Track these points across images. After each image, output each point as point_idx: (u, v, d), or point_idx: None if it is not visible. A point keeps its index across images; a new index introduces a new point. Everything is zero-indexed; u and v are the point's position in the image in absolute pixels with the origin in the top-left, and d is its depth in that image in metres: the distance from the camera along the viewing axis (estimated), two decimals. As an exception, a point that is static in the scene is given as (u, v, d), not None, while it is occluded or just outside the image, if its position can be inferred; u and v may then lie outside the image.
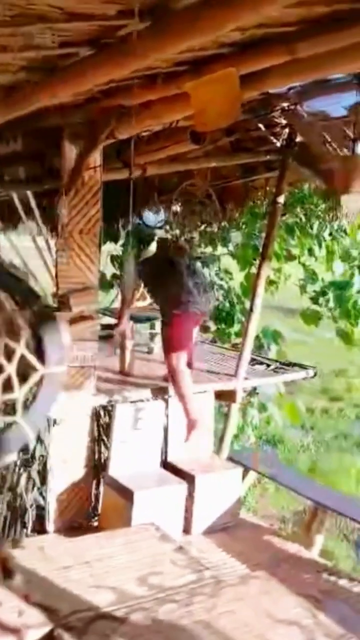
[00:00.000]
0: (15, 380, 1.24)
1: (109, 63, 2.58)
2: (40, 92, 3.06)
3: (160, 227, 4.75)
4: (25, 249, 6.08)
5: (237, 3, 1.88)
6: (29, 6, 2.11)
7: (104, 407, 4.43)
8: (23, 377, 1.26)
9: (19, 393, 1.23)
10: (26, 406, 1.25)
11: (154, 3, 2.13)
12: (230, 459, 5.06)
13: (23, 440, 1.25)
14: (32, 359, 1.25)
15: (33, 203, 5.45)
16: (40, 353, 1.25)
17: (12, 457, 3.03)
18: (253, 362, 5.55)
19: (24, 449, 3.30)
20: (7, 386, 1.24)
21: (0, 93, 3.25)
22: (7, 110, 3.34)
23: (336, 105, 3.79)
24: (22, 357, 1.25)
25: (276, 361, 5.92)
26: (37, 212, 5.64)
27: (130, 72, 2.45)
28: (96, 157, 4.07)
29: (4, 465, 3.36)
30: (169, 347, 4.44)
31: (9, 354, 1.26)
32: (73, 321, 4.15)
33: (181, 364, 4.35)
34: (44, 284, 5.81)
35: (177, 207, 5.12)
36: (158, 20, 2.20)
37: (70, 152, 4.05)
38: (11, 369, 1.25)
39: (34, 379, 1.25)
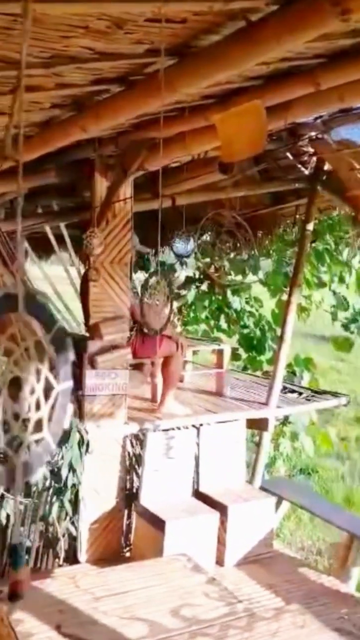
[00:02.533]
0: (42, 400, 1.33)
1: (138, 99, 2.66)
2: (73, 127, 3.16)
3: (188, 256, 4.80)
4: (58, 278, 6.20)
5: (260, 39, 1.93)
6: (63, 48, 2.20)
7: (136, 436, 4.44)
8: (45, 395, 1.36)
9: (44, 411, 1.32)
10: (49, 420, 1.35)
11: (179, 42, 2.20)
12: (263, 488, 5.00)
13: (49, 452, 1.34)
14: (52, 378, 1.33)
15: (65, 234, 5.58)
16: (54, 371, 1.35)
17: (41, 471, 3.22)
18: (285, 390, 5.51)
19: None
20: (37, 406, 1.34)
21: (34, 129, 3.37)
22: (41, 145, 3.45)
23: (363, 133, 3.82)
24: (46, 377, 1.34)
25: (308, 389, 5.87)
26: (69, 243, 5.76)
27: (159, 106, 2.52)
28: (127, 189, 4.15)
29: (36, 479, 3.49)
30: None
31: (38, 376, 1.36)
32: (105, 350, 4.20)
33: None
34: (76, 312, 5.93)
35: (206, 236, 5.18)
36: (184, 58, 2.27)
37: (102, 184, 4.15)
38: (39, 389, 1.34)
39: (53, 396, 1.34)
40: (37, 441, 1.35)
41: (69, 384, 1.39)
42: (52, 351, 1.37)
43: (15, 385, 1.37)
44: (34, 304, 1.37)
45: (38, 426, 1.37)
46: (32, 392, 1.34)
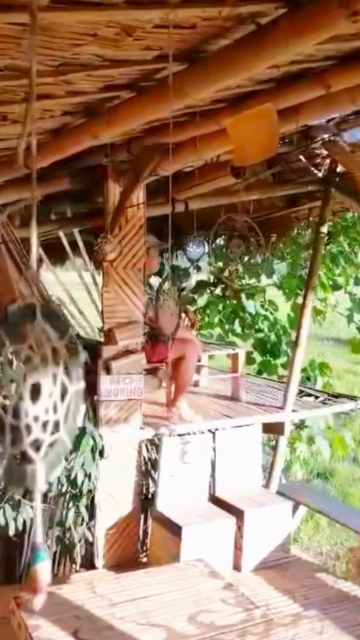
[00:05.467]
0: (59, 402, 1.38)
1: (149, 104, 2.67)
2: (84, 134, 3.17)
3: (199, 260, 4.79)
4: (72, 284, 6.22)
5: (270, 43, 1.92)
6: (73, 56, 2.21)
7: (151, 441, 4.43)
8: (62, 397, 1.42)
9: (61, 412, 1.39)
10: (65, 421, 1.42)
11: (189, 47, 2.20)
12: (280, 492, 4.97)
13: (65, 450, 1.41)
14: (66, 380, 1.40)
15: (79, 240, 5.60)
16: (68, 373, 1.41)
17: (59, 468, 3.25)
18: (301, 394, 5.47)
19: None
20: (54, 408, 1.40)
21: (46, 137, 3.39)
22: (53, 152, 3.47)
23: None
24: (62, 381, 1.40)
25: (324, 392, 5.83)
26: (83, 249, 5.79)
27: (170, 112, 2.52)
28: (139, 194, 4.16)
29: (53, 477, 3.66)
30: None
31: (54, 380, 1.41)
32: (119, 355, 4.20)
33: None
34: (90, 318, 5.94)
35: (219, 240, 5.17)
36: (194, 63, 2.27)
37: (114, 190, 4.16)
38: (57, 392, 1.40)
39: (68, 397, 1.40)
40: (54, 442, 1.41)
41: (81, 384, 1.42)
42: (67, 355, 1.43)
43: (35, 390, 1.43)
44: (49, 311, 1.43)
45: (55, 427, 1.44)
46: (50, 395, 1.39)
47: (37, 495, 1.40)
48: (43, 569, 1.47)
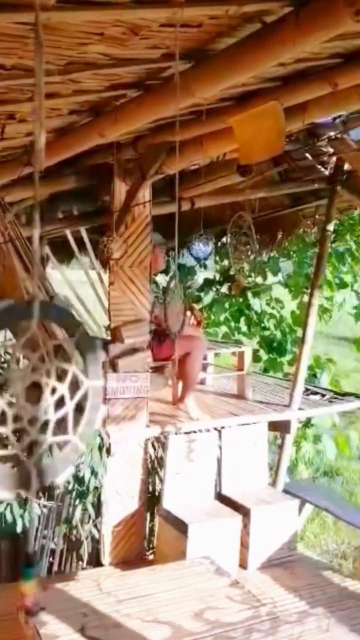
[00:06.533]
0: (67, 399, 1.34)
1: (155, 103, 2.67)
2: (91, 133, 3.18)
3: (206, 258, 4.79)
4: (79, 282, 6.24)
5: (275, 41, 1.93)
6: (79, 55, 2.22)
7: (157, 439, 4.44)
8: (72, 392, 1.37)
9: (70, 406, 1.34)
10: (76, 422, 1.36)
11: (195, 46, 2.20)
12: (286, 491, 4.97)
13: (77, 453, 1.34)
14: (80, 374, 1.36)
15: (86, 238, 5.61)
16: (84, 370, 1.36)
17: (69, 471, 3.23)
18: (307, 392, 5.47)
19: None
20: (60, 405, 1.35)
21: (52, 135, 3.40)
22: (60, 151, 3.48)
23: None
24: (74, 376, 1.35)
25: (331, 391, 5.82)
26: (89, 247, 5.80)
27: (176, 110, 2.53)
28: (145, 193, 4.16)
29: (65, 479, 3.54)
30: None
31: (60, 376, 1.36)
32: (126, 353, 4.22)
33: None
34: (97, 316, 5.95)
35: (226, 239, 5.18)
36: (201, 61, 2.28)
37: (121, 188, 4.16)
38: (64, 388, 1.35)
39: (81, 391, 1.36)
40: (63, 443, 1.36)
41: (100, 382, 1.39)
42: (78, 354, 1.39)
43: (36, 391, 1.38)
44: (54, 309, 1.39)
45: (63, 427, 1.38)
46: (53, 392, 1.33)
47: (32, 501, 1.37)
48: (30, 589, 1.40)
